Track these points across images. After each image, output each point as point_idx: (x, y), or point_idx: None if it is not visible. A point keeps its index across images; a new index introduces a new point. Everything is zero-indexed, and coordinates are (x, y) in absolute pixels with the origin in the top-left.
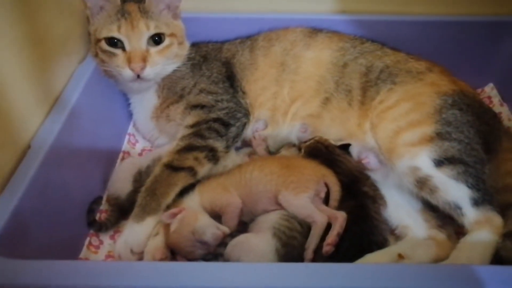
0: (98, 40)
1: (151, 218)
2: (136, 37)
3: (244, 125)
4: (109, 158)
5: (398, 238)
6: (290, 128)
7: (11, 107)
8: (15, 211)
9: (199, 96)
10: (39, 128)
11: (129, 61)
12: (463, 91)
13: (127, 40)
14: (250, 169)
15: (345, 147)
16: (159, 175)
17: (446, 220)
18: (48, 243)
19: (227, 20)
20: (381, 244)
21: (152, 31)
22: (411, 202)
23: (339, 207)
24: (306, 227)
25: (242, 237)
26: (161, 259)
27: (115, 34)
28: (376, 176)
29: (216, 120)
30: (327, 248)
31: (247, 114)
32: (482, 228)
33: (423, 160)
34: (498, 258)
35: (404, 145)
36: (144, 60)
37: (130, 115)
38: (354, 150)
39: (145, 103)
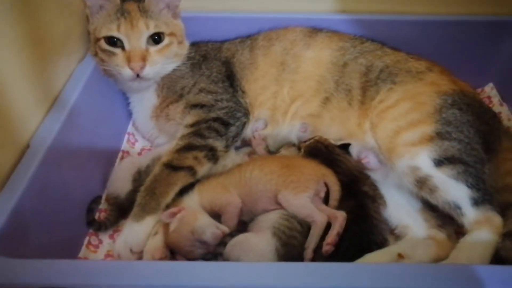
0: (98, 39)
1: (150, 217)
2: (135, 36)
3: (244, 125)
4: (108, 158)
5: (397, 237)
6: (290, 128)
7: (11, 106)
8: (15, 210)
9: (198, 96)
10: (39, 127)
11: (128, 60)
12: (463, 91)
13: (127, 39)
14: (250, 168)
15: (345, 147)
16: (158, 174)
17: (446, 220)
18: (48, 242)
19: (226, 20)
20: (380, 243)
21: (152, 30)
22: (411, 202)
23: (339, 207)
24: (306, 227)
25: (241, 237)
26: (161, 259)
27: (114, 33)
28: (376, 175)
29: (215, 119)
30: (327, 247)
31: (246, 114)
32: (482, 228)
33: (423, 160)
34: (498, 258)
35: (404, 145)
36: (144, 59)
37: (129, 114)
38: (354, 150)
39: (144, 102)
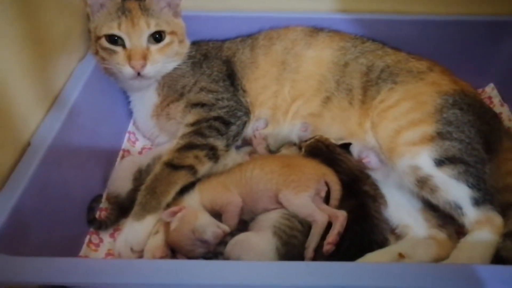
0: (98, 38)
1: (151, 216)
2: (136, 35)
3: (245, 124)
4: (109, 156)
5: (398, 237)
6: (291, 127)
7: (12, 105)
8: (15, 208)
9: (199, 95)
10: (39, 126)
11: (129, 58)
12: (464, 91)
13: (128, 37)
14: (251, 167)
15: (346, 146)
16: (159, 173)
17: (447, 220)
18: (48, 240)
19: (227, 19)
20: (381, 243)
21: (153, 28)
22: (412, 202)
23: (340, 206)
24: (306, 226)
25: (242, 236)
26: (161, 258)
27: (115, 31)
28: (377, 175)
29: (216, 118)
30: (327, 247)
31: (247, 113)
32: (482, 228)
33: (423, 160)
34: (498, 258)
35: (404, 144)
36: (145, 57)
37: (130, 113)
38: (354, 149)
39: (145, 101)
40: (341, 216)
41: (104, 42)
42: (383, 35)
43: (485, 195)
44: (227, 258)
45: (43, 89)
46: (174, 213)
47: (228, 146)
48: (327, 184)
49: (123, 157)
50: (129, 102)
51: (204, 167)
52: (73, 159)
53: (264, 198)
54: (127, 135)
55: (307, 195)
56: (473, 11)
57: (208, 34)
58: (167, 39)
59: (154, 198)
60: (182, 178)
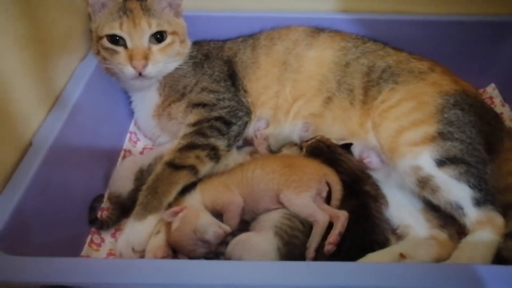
0: (100, 38)
1: (152, 216)
2: (138, 35)
3: (246, 124)
4: (110, 156)
5: (399, 237)
6: (292, 127)
7: (13, 104)
8: (17, 208)
9: (200, 95)
10: (41, 126)
11: (130, 58)
12: (465, 91)
13: (129, 37)
14: (252, 167)
15: (347, 146)
16: (160, 173)
17: (448, 220)
18: (50, 240)
19: (229, 19)
20: (382, 243)
21: (154, 29)
22: (413, 202)
23: (341, 206)
24: (307, 226)
25: (243, 236)
26: (163, 258)
27: (117, 31)
28: (378, 175)
29: (217, 118)
30: (328, 247)
31: (248, 113)
32: (483, 228)
33: (425, 160)
34: (499, 258)
35: (406, 145)
36: (146, 58)
37: (131, 113)
38: (356, 149)
39: (146, 101)
40: (342, 216)
41: (105, 42)
42: (384, 35)
43: (486, 196)
44: (229, 258)
45: (44, 88)
46: (176, 213)
47: (229, 146)
48: (328, 184)
49: (124, 157)
50: (130, 102)
51: (205, 167)
52: (74, 159)
53: (265, 198)
54: (128, 135)
55: (308, 195)
56: (474, 11)
57: (210, 34)
58: (168, 39)
59: (156, 198)
60: (184, 178)
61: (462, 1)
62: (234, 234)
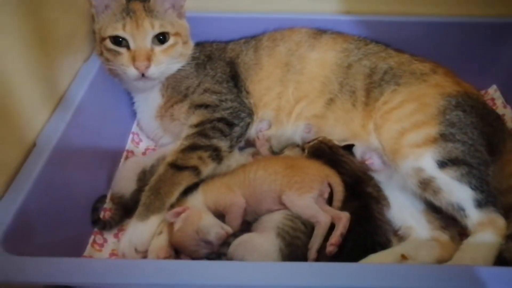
0: (103, 39)
1: (155, 217)
2: (141, 36)
3: (248, 125)
4: (113, 157)
5: (401, 239)
6: (294, 128)
7: (17, 105)
8: (21, 208)
9: (203, 96)
10: (45, 126)
11: (133, 59)
12: (467, 93)
13: (132, 38)
14: (254, 168)
15: (349, 148)
16: (163, 174)
17: (450, 222)
18: (53, 240)
19: (231, 20)
20: (384, 244)
21: (157, 30)
22: (415, 203)
23: (343, 208)
24: (309, 227)
25: (245, 237)
26: (165, 258)
27: (120, 32)
28: (380, 177)
29: (220, 119)
30: (330, 248)
31: (251, 114)
32: (485, 229)
33: (426, 162)
34: (501, 259)
35: (408, 146)
36: (149, 59)
37: (134, 114)
38: (357, 151)
39: (149, 102)
40: (344, 217)
41: (108, 43)
42: (386, 37)
43: (488, 197)
44: (231, 259)
45: (48, 89)
46: (178, 214)
47: (231, 147)
48: (330, 185)
49: (127, 157)
50: (133, 103)
51: (207, 168)
52: (77, 159)
53: (268, 199)
54: (131, 136)
55: (311, 196)
56: (476, 12)
57: (212, 36)
58: (171, 40)
59: (158, 199)
60: (186, 179)
61: (463, 2)
62: (236, 235)
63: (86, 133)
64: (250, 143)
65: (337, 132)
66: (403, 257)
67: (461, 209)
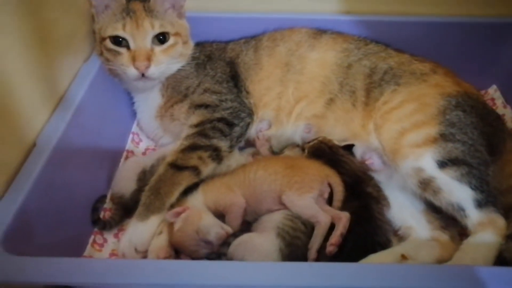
0: (103, 39)
1: (155, 217)
2: (141, 36)
3: (248, 125)
4: (113, 157)
5: (401, 239)
6: (294, 128)
7: (17, 105)
8: (21, 208)
9: (203, 96)
10: (45, 126)
11: (133, 59)
12: (467, 93)
13: (132, 38)
14: (254, 168)
15: (349, 148)
16: (163, 174)
17: (450, 222)
18: (53, 240)
19: (231, 20)
20: (384, 244)
21: (157, 30)
22: (415, 203)
23: (343, 208)
24: (309, 227)
25: (245, 237)
26: (165, 258)
27: (120, 32)
28: (380, 177)
29: (220, 119)
30: (330, 248)
31: (251, 114)
32: (485, 229)
33: (426, 162)
34: (501, 259)
35: (408, 146)
36: (149, 59)
37: (134, 114)
38: (358, 151)
39: (149, 102)
40: (344, 218)
41: (108, 43)
42: (386, 37)
43: (488, 197)
44: (231, 259)
45: (48, 89)
46: (178, 214)
47: (231, 147)
48: (330, 185)
49: (127, 157)
50: (133, 103)
51: (207, 168)
52: (77, 159)
53: (268, 199)
54: (131, 135)
55: (311, 196)
56: (476, 12)
57: (212, 36)
58: (171, 40)
59: (158, 199)
60: (186, 179)
61: (463, 2)
62: (236, 235)
63: (86, 133)
64: (250, 143)
65: (337, 132)
66: (403, 257)
67: (461, 209)
